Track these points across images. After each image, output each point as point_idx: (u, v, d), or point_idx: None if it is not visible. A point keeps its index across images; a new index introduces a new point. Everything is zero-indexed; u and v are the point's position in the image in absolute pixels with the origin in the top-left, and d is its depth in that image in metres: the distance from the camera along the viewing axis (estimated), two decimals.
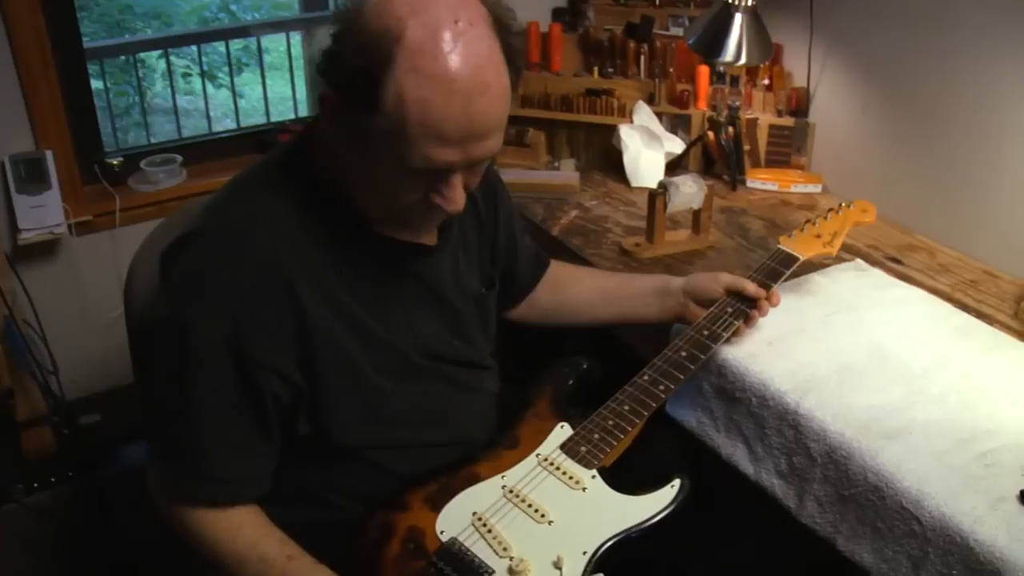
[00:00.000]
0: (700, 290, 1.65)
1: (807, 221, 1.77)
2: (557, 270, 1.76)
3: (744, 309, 1.58)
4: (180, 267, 1.27)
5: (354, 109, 1.17)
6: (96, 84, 2.48)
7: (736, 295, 1.60)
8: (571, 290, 1.75)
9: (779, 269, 1.66)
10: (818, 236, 1.74)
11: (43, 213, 2.20)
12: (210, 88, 3.88)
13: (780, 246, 1.71)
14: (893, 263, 1.96)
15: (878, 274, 1.87)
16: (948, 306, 1.76)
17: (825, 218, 1.78)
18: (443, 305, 1.45)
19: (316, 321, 1.27)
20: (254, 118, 3.03)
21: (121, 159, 2.39)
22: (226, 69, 3.64)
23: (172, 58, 3.66)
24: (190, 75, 4.39)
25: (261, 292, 1.24)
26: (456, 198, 1.24)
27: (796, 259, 1.68)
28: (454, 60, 1.12)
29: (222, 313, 1.23)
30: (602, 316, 1.74)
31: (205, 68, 3.73)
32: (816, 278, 1.83)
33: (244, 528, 1.30)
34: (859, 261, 1.91)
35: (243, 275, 1.24)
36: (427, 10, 1.13)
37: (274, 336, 1.25)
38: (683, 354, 1.52)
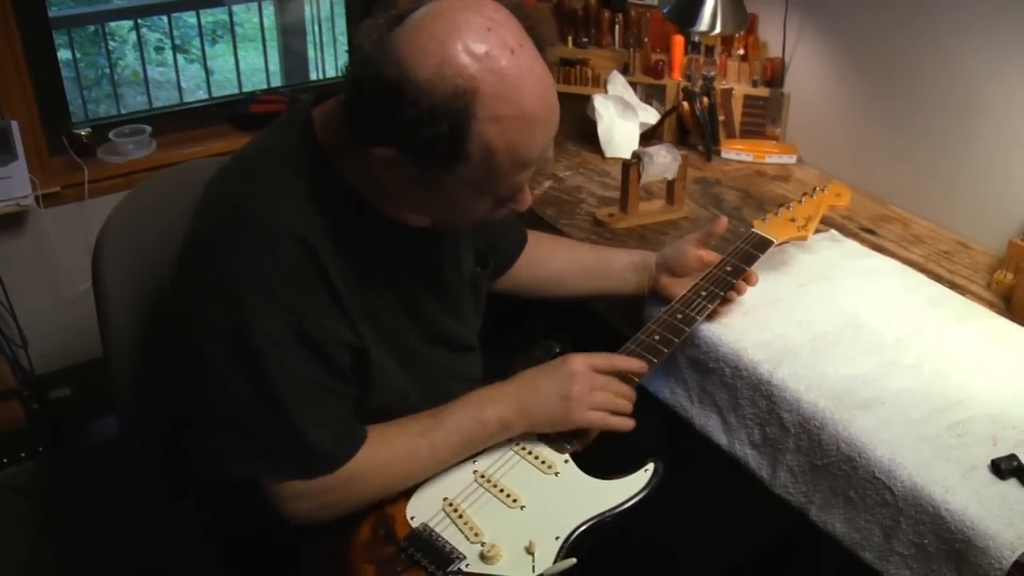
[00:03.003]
0: (671, 260, 1.64)
1: (781, 205, 1.77)
2: (535, 243, 1.74)
3: (718, 292, 1.57)
4: (216, 270, 1.23)
5: (428, 166, 1.16)
6: (65, 54, 2.44)
7: (711, 280, 1.59)
8: (548, 264, 1.74)
9: (754, 253, 1.65)
10: (792, 220, 1.74)
11: (9, 184, 2.17)
12: (182, 61, 3.83)
13: (754, 230, 1.70)
14: (867, 234, 1.95)
15: (852, 245, 1.87)
16: (921, 277, 1.76)
17: (799, 202, 1.78)
18: (444, 288, 1.45)
19: (351, 303, 1.27)
20: (227, 90, 2.99)
21: (89, 130, 2.36)
22: (198, 43, 3.60)
23: (144, 31, 3.61)
24: (162, 48, 4.34)
25: (305, 275, 1.22)
26: (527, 199, 1.30)
27: (770, 243, 1.68)
28: (529, 97, 1.15)
29: (278, 309, 1.21)
30: (579, 290, 1.73)
31: (177, 42, 3.68)
32: (790, 249, 1.82)
33: (391, 432, 1.34)
34: (833, 232, 1.91)
35: (285, 264, 1.21)
36: (488, 52, 1.12)
37: (329, 313, 1.25)
38: (656, 338, 1.51)
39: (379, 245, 1.32)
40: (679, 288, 1.62)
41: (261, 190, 1.25)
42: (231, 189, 1.29)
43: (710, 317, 1.57)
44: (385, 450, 1.32)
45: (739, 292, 1.60)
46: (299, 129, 1.29)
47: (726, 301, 1.59)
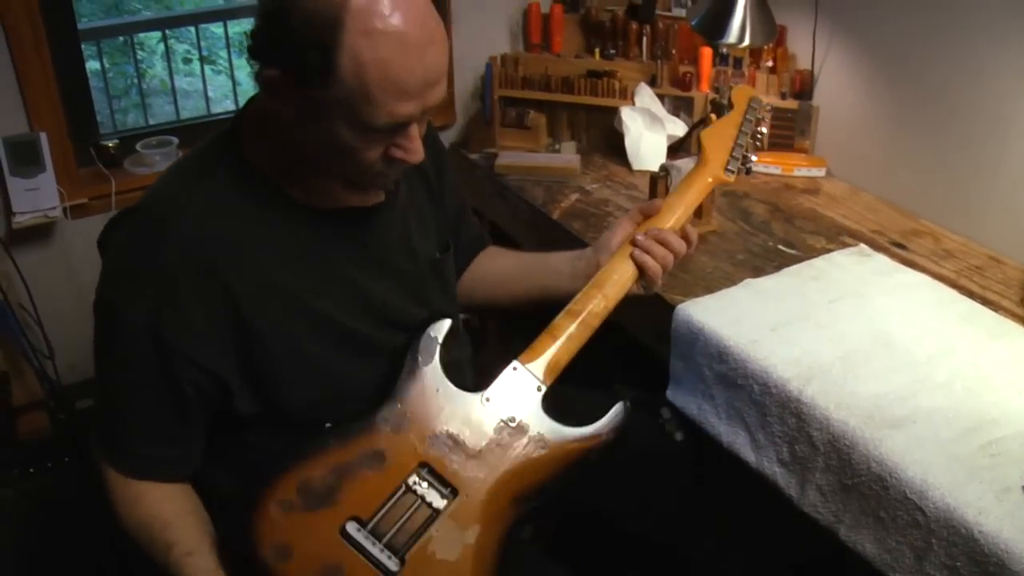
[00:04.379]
0: (602, 241, 1.59)
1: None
2: (486, 250, 1.75)
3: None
4: (110, 249, 1.33)
5: (306, 84, 1.16)
6: (94, 65, 2.45)
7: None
8: (490, 264, 1.73)
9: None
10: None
11: (37, 196, 2.17)
12: (209, 72, 3.85)
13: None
14: (897, 248, 1.93)
15: (882, 259, 1.85)
16: (953, 292, 1.74)
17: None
18: (394, 271, 1.43)
19: (253, 309, 1.27)
20: None
21: (117, 141, 2.36)
22: (225, 53, 3.61)
23: (172, 42, 3.63)
24: (190, 60, 4.37)
25: (184, 282, 1.24)
26: (418, 148, 1.25)
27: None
28: (402, 16, 1.14)
29: (144, 299, 1.24)
30: (519, 290, 1.70)
31: (205, 53, 3.70)
32: (819, 263, 1.81)
33: (141, 501, 1.33)
34: (863, 246, 1.89)
35: (166, 264, 1.25)
36: None
37: (196, 327, 1.26)
38: None
39: (308, 234, 1.32)
40: None
41: (174, 189, 1.31)
42: (159, 180, 1.35)
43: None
44: (158, 494, 1.34)
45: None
46: (230, 126, 1.33)
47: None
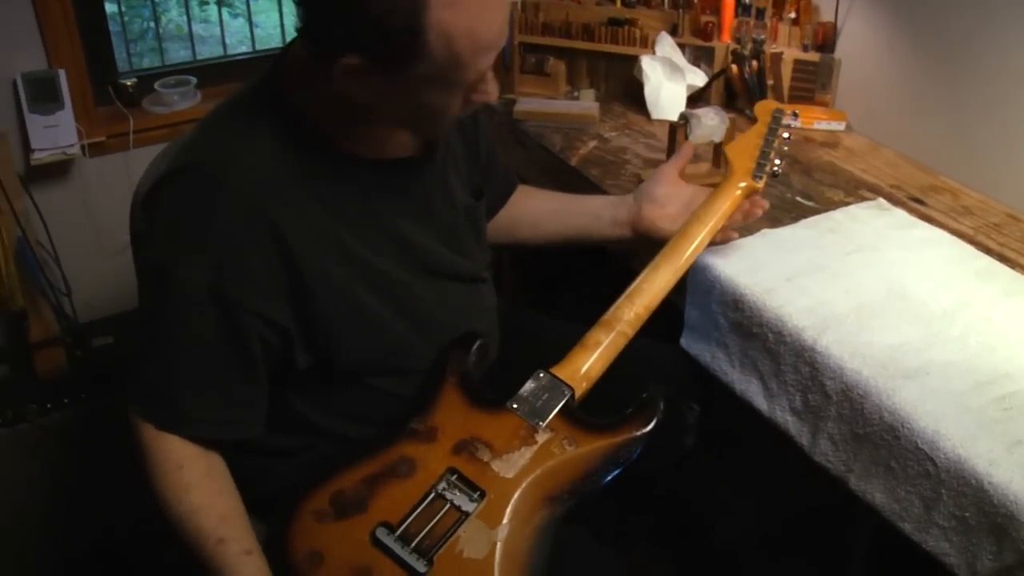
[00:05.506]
0: (650, 188, 1.63)
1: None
2: (518, 190, 1.76)
3: None
4: (162, 208, 1.27)
5: (393, 68, 1.15)
6: (110, 8, 2.45)
7: None
8: (525, 204, 1.74)
9: None
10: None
11: (56, 133, 2.18)
12: (226, 15, 3.82)
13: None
14: (916, 204, 1.92)
15: (900, 214, 1.84)
16: (970, 248, 1.73)
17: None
18: (436, 220, 1.44)
19: (306, 259, 1.27)
20: (270, 45, 2.99)
21: (135, 80, 2.37)
22: None
23: None
24: (207, 3, 4.33)
25: (243, 235, 1.23)
26: (496, 87, 1.28)
27: None
28: None
29: (204, 256, 1.22)
30: (556, 231, 1.72)
31: None
32: (837, 216, 1.80)
33: (193, 491, 1.27)
34: (881, 200, 1.88)
35: (224, 217, 1.22)
36: None
37: (258, 279, 1.25)
38: None
39: (356, 185, 1.32)
40: (667, 223, 1.62)
41: (223, 140, 1.27)
42: (196, 134, 1.31)
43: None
44: (214, 487, 1.29)
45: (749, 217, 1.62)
46: (270, 75, 1.31)
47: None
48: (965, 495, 1.25)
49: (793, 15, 2.31)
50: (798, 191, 1.94)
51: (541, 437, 1.32)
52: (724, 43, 2.32)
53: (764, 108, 1.71)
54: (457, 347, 1.43)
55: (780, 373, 1.51)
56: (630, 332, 1.44)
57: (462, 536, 1.24)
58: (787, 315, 1.50)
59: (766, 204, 1.62)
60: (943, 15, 2.02)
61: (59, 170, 2.26)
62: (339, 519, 1.25)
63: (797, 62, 2.29)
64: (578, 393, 1.38)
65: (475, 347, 1.43)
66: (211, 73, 2.51)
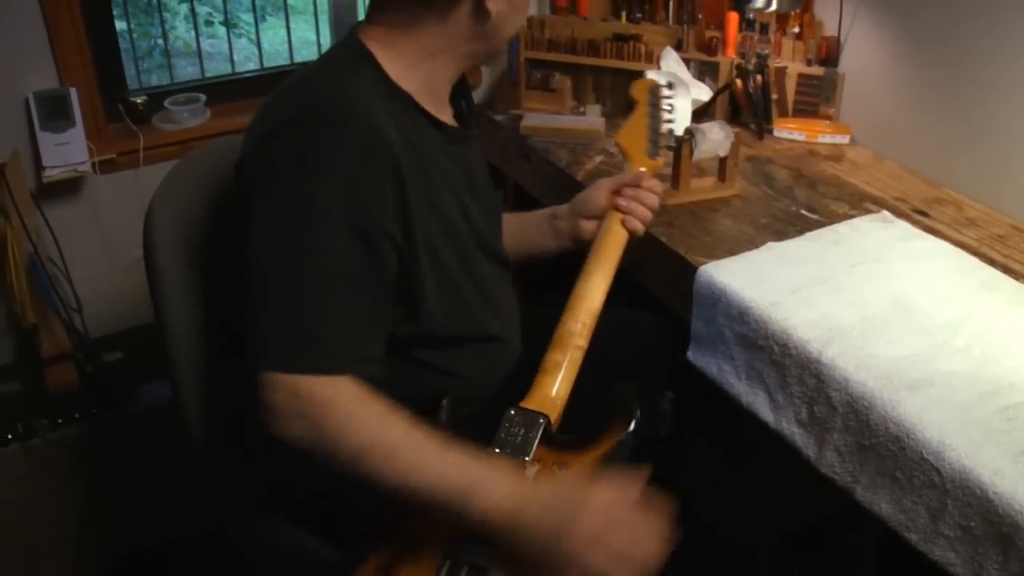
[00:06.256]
0: (582, 203, 1.66)
1: None
2: None
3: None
4: (288, 151, 1.24)
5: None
6: (119, 25, 2.47)
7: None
8: None
9: None
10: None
11: (67, 151, 2.20)
12: (232, 36, 3.85)
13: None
14: (920, 216, 1.93)
15: (904, 226, 1.85)
16: (974, 260, 1.74)
17: None
18: (483, 197, 1.49)
19: (413, 203, 1.30)
20: (277, 62, 3.01)
21: (145, 98, 2.38)
22: (247, 17, 3.62)
23: (195, 5, 3.64)
24: (212, 23, 4.36)
25: (375, 168, 1.25)
26: None
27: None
28: None
29: (342, 190, 1.22)
30: (513, 248, 1.69)
31: (228, 17, 3.71)
32: (841, 228, 1.81)
33: (392, 414, 1.20)
34: (885, 213, 1.89)
35: (356, 150, 1.24)
36: None
37: (390, 209, 1.27)
38: None
39: (432, 145, 1.37)
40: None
41: (331, 89, 1.29)
42: (297, 97, 1.33)
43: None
44: (377, 410, 1.20)
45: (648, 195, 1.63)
46: (348, 45, 1.36)
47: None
48: (971, 505, 1.25)
49: (797, 30, 2.33)
50: (803, 204, 1.95)
51: (531, 471, 1.27)
52: (728, 58, 2.34)
53: (640, 88, 1.74)
54: (446, 395, 1.38)
55: (786, 385, 1.52)
56: (584, 344, 1.42)
57: None
58: (792, 327, 1.51)
59: (658, 186, 1.65)
60: (945, 28, 2.03)
61: (70, 187, 2.28)
62: None
63: (801, 76, 2.31)
64: (553, 417, 1.33)
65: (444, 405, 1.37)
66: (220, 90, 2.53)
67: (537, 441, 1.29)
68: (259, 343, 1.20)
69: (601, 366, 1.43)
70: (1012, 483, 1.23)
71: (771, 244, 1.75)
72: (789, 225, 1.86)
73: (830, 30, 2.30)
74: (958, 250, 1.77)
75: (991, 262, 1.75)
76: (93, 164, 2.25)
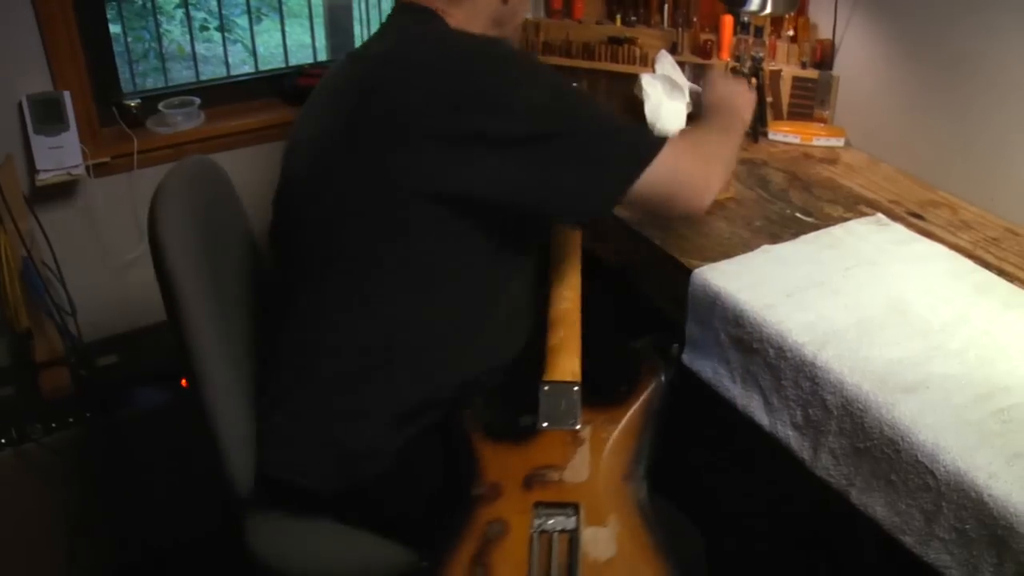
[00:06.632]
0: None
1: None
2: None
3: None
4: (497, 53, 1.45)
5: None
6: (113, 28, 2.47)
7: None
8: None
9: None
10: None
11: (61, 154, 2.19)
12: (227, 41, 3.85)
13: None
14: (914, 218, 1.94)
15: (899, 229, 1.85)
16: (969, 263, 1.74)
17: None
18: None
19: None
20: (271, 66, 3.01)
21: (139, 101, 2.38)
22: (241, 21, 3.62)
23: (190, 10, 3.65)
24: (207, 28, 4.36)
25: None
26: None
27: None
28: None
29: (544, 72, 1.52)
30: None
31: (223, 21, 3.72)
32: (836, 232, 1.81)
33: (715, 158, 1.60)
34: (880, 216, 1.90)
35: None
36: None
37: None
38: None
39: None
40: None
41: (473, 37, 1.53)
42: (452, 46, 1.48)
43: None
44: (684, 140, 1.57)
45: None
46: (421, 17, 1.55)
47: None
48: (965, 508, 1.25)
49: (791, 33, 2.33)
50: (798, 207, 1.95)
51: (585, 433, 1.39)
52: (723, 61, 2.34)
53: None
54: (462, 407, 1.48)
55: (781, 388, 1.52)
56: (578, 318, 1.53)
57: (586, 549, 1.27)
58: (787, 330, 1.51)
59: None
60: (940, 30, 2.03)
61: (64, 191, 2.27)
62: None
63: (796, 79, 2.31)
64: (579, 383, 1.42)
65: (478, 397, 1.49)
66: (214, 94, 2.53)
67: (579, 406, 1.39)
68: (626, 158, 1.45)
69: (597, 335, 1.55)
70: (1007, 485, 1.22)
71: (766, 247, 1.76)
72: (784, 228, 1.86)
73: (824, 33, 2.30)
74: (953, 253, 1.77)
75: (986, 265, 1.75)
76: (87, 167, 2.25)
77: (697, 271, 1.68)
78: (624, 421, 1.41)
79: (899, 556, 1.36)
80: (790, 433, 1.52)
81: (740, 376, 1.60)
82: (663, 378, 1.48)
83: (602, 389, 1.45)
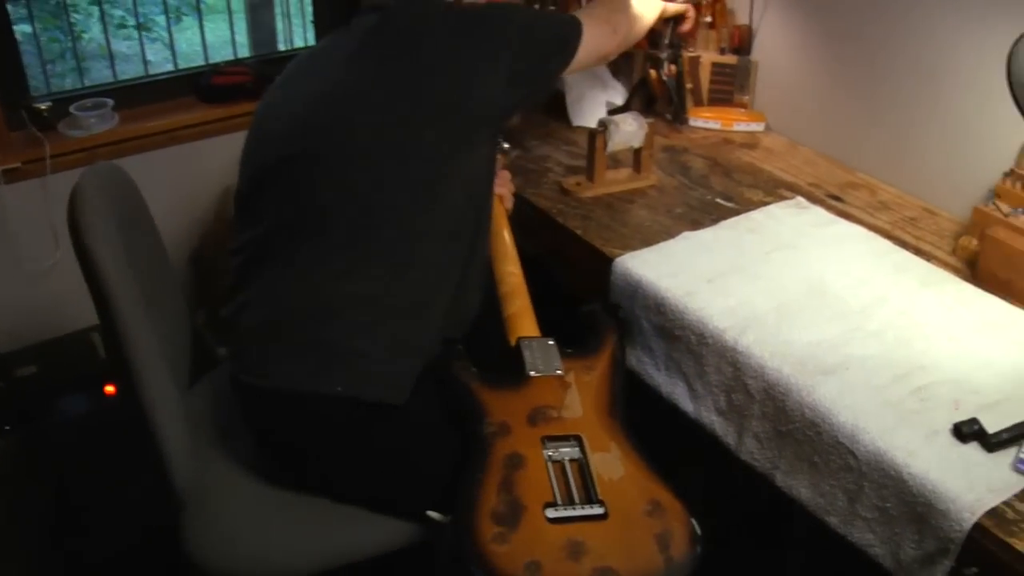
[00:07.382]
0: None
1: None
2: None
3: None
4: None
5: None
6: (25, 28, 2.40)
7: None
8: None
9: None
10: None
11: None
12: (145, 40, 3.77)
13: None
14: (834, 200, 1.95)
15: (818, 211, 1.87)
16: (887, 243, 1.77)
17: None
18: None
19: None
20: (194, 63, 2.95)
21: (49, 103, 2.31)
22: (160, 20, 3.55)
23: (106, 7, 3.57)
24: (125, 26, 4.26)
25: None
26: None
27: None
28: None
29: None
30: None
31: (141, 20, 3.64)
32: (756, 216, 1.82)
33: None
34: (800, 199, 1.91)
35: None
36: None
37: None
38: None
39: None
40: None
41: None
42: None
43: None
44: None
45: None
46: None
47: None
48: (886, 486, 1.27)
49: (709, 19, 2.34)
50: (718, 193, 1.96)
51: (570, 378, 1.53)
52: (641, 50, 2.34)
53: None
54: (451, 360, 1.58)
55: (704, 375, 1.52)
56: (526, 291, 1.68)
57: (598, 471, 1.38)
58: (708, 317, 1.52)
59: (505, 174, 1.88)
60: (855, 16, 2.05)
61: None
62: (516, 528, 1.31)
63: (715, 65, 2.32)
64: (552, 338, 1.60)
65: (458, 351, 1.60)
66: (131, 94, 2.47)
67: (559, 357, 1.55)
68: (568, 33, 1.71)
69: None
70: (925, 463, 1.24)
71: (687, 233, 1.76)
72: (705, 214, 1.87)
73: (742, 19, 2.32)
74: (872, 234, 1.79)
75: (904, 245, 1.77)
76: None
77: (618, 260, 1.68)
78: (600, 368, 1.55)
79: (830, 532, 1.38)
80: (715, 419, 1.52)
81: (664, 364, 1.61)
82: (620, 335, 1.63)
83: (572, 344, 1.59)
